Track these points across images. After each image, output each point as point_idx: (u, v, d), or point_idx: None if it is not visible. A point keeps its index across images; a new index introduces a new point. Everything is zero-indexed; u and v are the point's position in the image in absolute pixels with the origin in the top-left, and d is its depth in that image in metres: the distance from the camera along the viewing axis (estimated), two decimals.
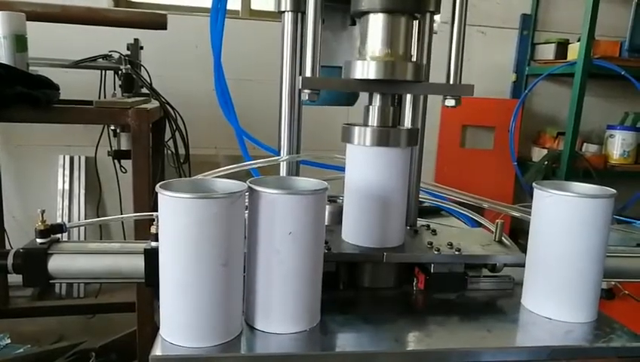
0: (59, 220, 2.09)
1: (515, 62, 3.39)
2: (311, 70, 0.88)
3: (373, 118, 0.92)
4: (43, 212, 0.89)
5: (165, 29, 2.21)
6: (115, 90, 2.28)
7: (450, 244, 0.96)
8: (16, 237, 2.47)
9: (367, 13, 0.87)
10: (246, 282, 0.75)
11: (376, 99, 0.91)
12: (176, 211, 0.66)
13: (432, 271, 0.93)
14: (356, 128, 0.91)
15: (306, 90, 0.87)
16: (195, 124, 2.31)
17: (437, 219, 1.27)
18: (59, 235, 0.92)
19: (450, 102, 0.92)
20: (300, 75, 1.06)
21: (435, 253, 0.92)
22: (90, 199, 2.98)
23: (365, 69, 0.86)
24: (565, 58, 3.14)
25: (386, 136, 0.90)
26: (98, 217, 2.90)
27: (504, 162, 3.21)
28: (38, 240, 0.88)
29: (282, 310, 0.74)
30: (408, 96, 1.06)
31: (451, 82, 0.94)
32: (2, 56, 1.68)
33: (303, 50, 0.94)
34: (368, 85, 0.89)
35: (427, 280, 0.93)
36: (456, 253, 0.93)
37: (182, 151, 2.27)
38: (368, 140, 0.89)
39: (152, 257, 0.83)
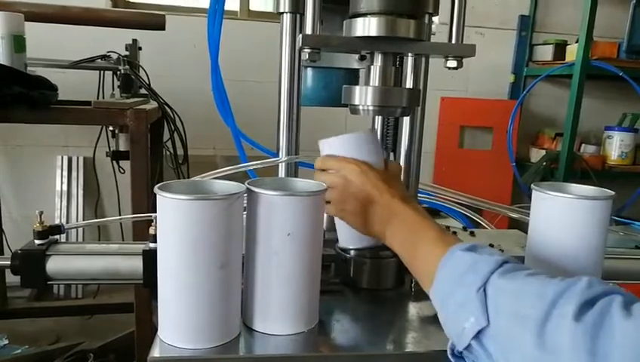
0: (57, 221, 2.09)
1: (514, 63, 3.40)
2: (311, 28, 0.88)
3: (375, 78, 0.91)
4: (41, 213, 0.89)
5: (164, 29, 2.21)
6: (113, 90, 2.28)
7: (492, 246, 0.96)
8: (13, 237, 2.46)
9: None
10: (244, 283, 0.75)
11: (378, 58, 0.91)
12: (174, 212, 0.66)
13: None
14: (357, 88, 0.90)
15: (306, 50, 0.86)
16: (193, 125, 2.32)
17: (435, 220, 1.27)
18: (57, 236, 0.92)
19: (452, 64, 0.92)
20: (299, 74, 1.07)
21: None
22: (88, 200, 2.98)
23: (366, 26, 0.85)
24: (563, 59, 3.14)
25: (387, 95, 0.89)
26: (96, 218, 2.90)
27: (502, 163, 3.21)
28: (37, 242, 0.88)
29: (280, 311, 0.74)
30: (409, 68, 1.05)
31: (453, 42, 0.93)
32: (0, 57, 1.68)
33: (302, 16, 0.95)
34: (369, 43, 0.88)
35: None
36: None
37: (180, 151, 2.27)
38: (370, 99, 0.89)
39: (150, 258, 0.83)
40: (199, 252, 0.66)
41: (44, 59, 2.09)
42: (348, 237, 0.93)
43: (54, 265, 0.87)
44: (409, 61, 1.04)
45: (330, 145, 0.88)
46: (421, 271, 0.73)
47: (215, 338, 0.70)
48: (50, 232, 0.89)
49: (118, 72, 2.11)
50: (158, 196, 0.67)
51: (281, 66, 1.05)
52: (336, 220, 0.93)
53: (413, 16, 0.86)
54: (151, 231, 0.84)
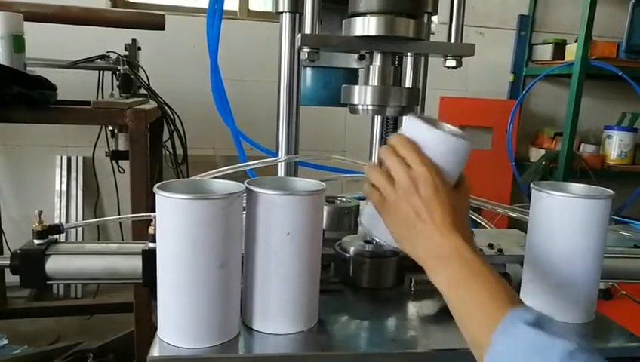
0: (56, 221, 2.09)
1: (513, 63, 3.40)
2: (310, 27, 0.88)
3: (374, 78, 0.91)
4: (40, 213, 0.89)
5: (163, 29, 2.21)
6: (112, 90, 2.28)
7: (491, 245, 0.97)
8: (13, 237, 2.46)
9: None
10: (244, 283, 0.75)
11: (377, 58, 0.90)
12: (173, 212, 0.66)
13: None
14: (356, 87, 0.90)
15: (305, 49, 0.86)
16: (193, 125, 2.31)
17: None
18: (56, 236, 0.92)
19: (451, 63, 0.92)
20: (298, 74, 1.07)
21: None
22: (87, 200, 2.97)
23: (366, 26, 0.85)
24: (563, 59, 3.14)
25: (386, 94, 0.89)
26: (96, 218, 2.90)
27: (502, 162, 3.21)
28: (36, 241, 0.88)
29: (280, 311, 0.74)
30: (408, 67, 1.05)
31: (452, 42, 0.93)
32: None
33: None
34: (369, 43, 0.88)
35: None
36: (498, 253, 0.95)
37: (180, 151, 2.27)
38: (369, 99, 0.89)
39: (149, 258, 0.83)
40: (198, 251, 0.66)
41: (43, 59, 2.09)
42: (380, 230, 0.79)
43: (54, 264, 0.87)
44: (408, 60, 1.05)
45: (420, 132, 0.72)
46: (469, 325, 0.64)
47: (214, 337, 0.70)
48: (49, 232, 0.89)
49: (118, 72, 2.11)
50: (157, 195, 0.67)
51: (280, 66, 1.05)
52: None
53: (412, 16, 0.86)
54: (150, 230, 0.84)
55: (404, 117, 0.81)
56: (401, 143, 0.72)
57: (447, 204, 0.69)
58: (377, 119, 1.34)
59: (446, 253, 0.67)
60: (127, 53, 2.21)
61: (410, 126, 0.75)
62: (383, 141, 1.33)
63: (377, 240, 0.80)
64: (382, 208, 0.73)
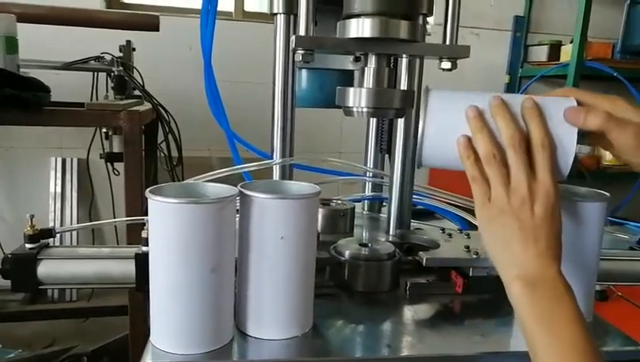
0: (51, 223, 2.08)
1: (509, 64, 3.41)
2: (305, 29, 0.87)
3: (369, 80, 0.90)
4: (32, 217, 0.88)
5: (158, 30, 2.20)
6: (107, 92, 2.27)
7: None
8: (7, 241, 2.44)
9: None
10: (237, 288, 0.74)
11: (372, 60, 0.90)
12: (165, 216, 0.65)
13: (470, 274, 0.92)
14: (351, 90, 0.90)
15: (299, 51, 0.86)
16: (188, 126, 2.31)
17: (431, 222, 1.27)
18: (49, 240, 0.91)
19: (447, 65, 0.91)
20: (293, 76, 1.06)
21: (474, 256, 0.91)
22: (82, 202, 2.96)
23: (360, 27, 0.84)
24: (558, 60, 3.15)
25: (381, 96, 0.88)
26: (90, 220, 2.89)
27: None
28: (27, 246, 0.87)
29: (274, 316, 0.73)
30: (403, 69, 1.04)
31: (447, 43, 0.93)
32: None
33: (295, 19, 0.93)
34: (363, 44, 0.87)
35: (465, 284, 0.92)
36: None
37: (175, 153, 2.26)
38: (363, 101, 0.88)
39: (142, 262, 0.82)
40: (190, 256, 0.65)
41: (37, 61, 2.07)
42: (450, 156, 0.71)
43: (45, 269, 0.86)
44: (403, 62, 1.04)
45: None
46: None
47: (207, 343, 0.69)
48: (41, 236, 0.88)
49: (112, 74, 2.10)
50: (149, 199, 0.66)
51: (275, 68, 1.05)
52: (431, 136, 0.72)
53: (407, 17, 0.85)
54: (143, 234, 0.83)
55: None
56: (542, 136, 0.65)
57: (556, 229, 0.64)
58: (373, 121, 1.34)
59: (539, 281, 0.62)
60: (121, 54, 2.19)
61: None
62: (379, 144, 1.33)
63: (437, 165, 0.74)
64: (483, 206, 0.66)
